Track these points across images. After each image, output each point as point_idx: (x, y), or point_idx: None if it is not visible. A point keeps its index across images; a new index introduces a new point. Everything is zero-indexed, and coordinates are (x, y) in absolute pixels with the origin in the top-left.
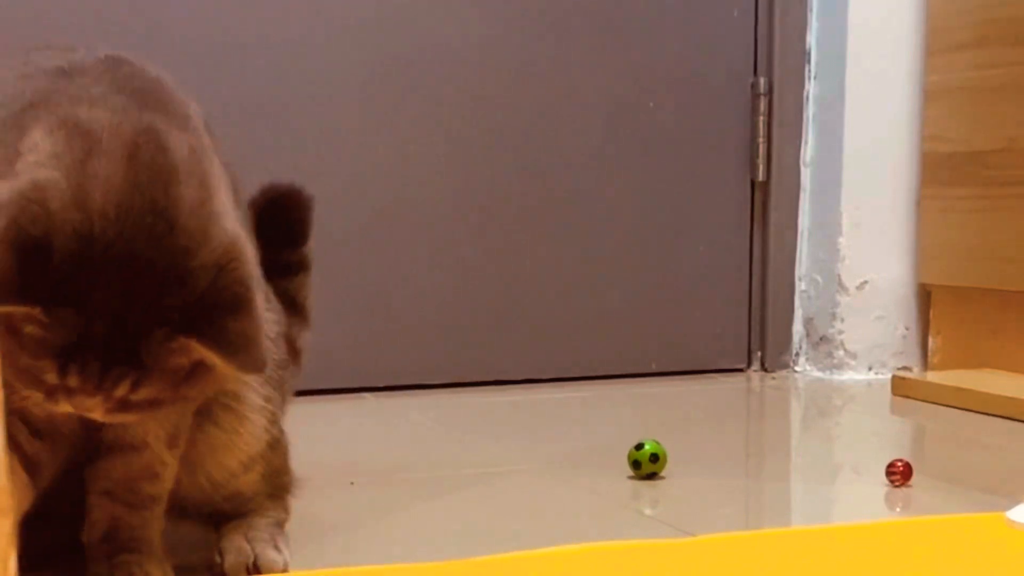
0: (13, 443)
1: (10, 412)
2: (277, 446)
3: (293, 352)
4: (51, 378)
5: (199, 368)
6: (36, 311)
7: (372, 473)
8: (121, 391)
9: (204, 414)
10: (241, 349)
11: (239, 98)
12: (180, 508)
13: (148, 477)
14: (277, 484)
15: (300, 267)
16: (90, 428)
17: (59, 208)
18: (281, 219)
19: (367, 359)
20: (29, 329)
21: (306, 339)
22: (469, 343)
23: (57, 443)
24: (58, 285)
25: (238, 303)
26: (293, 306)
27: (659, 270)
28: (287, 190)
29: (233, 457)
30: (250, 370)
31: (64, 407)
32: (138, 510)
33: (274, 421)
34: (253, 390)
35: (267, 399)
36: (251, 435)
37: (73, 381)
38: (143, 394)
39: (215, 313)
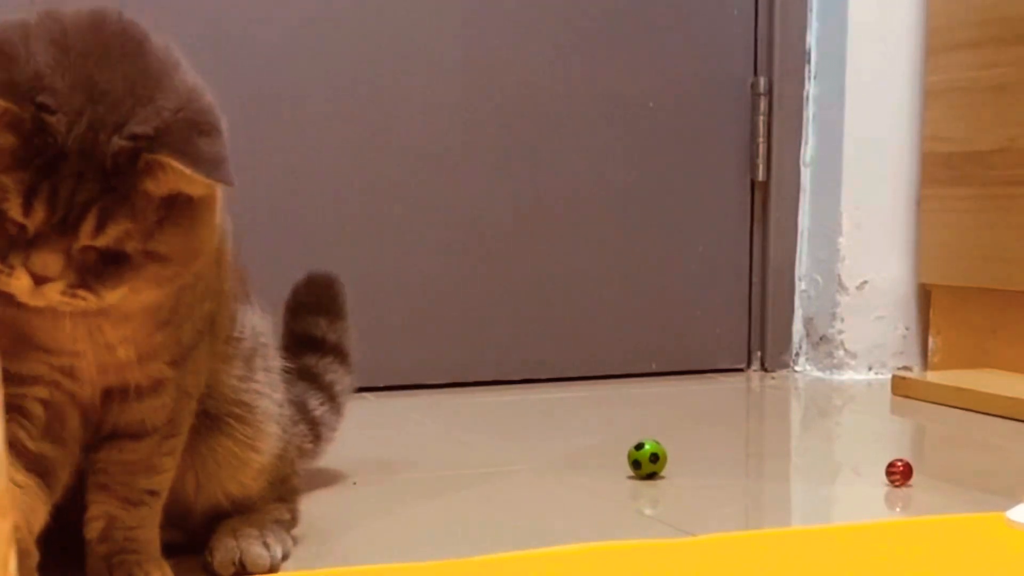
0: (17, 446)
1: (9, 410)
2: (285, 453)
3: (314, 429)
4: (14, 210)
5: (171, 213)
6: (27, 111)
7: (372, 473)
8: (88, 227)
9: (218, 427)
10: (211, 163)
11: (239, 91)
12: (189, 517)
13: (145, 471)
14: (284, 488)
15: (334, 350)
16: (93, 410)
17: (35, 24)
18: (317, 293)
19: (367, 359)
20: (4, 139)
21: (330, 421)
22: (469, 343)
23: (63, 440)
24: (39, 89)
25: (208, 126)
26: (315, 382)
27: (659, 270)
28: (325, 274)
29: (248, 473)
30: (221, 179)
31: (20, 278)
32: (134, 507)
33: (285, 428)
34: (267, 397)
35: (280, 404)
36: (267, 447)
37: (39, 212)
38: (111, 233)
39: (185, 131)
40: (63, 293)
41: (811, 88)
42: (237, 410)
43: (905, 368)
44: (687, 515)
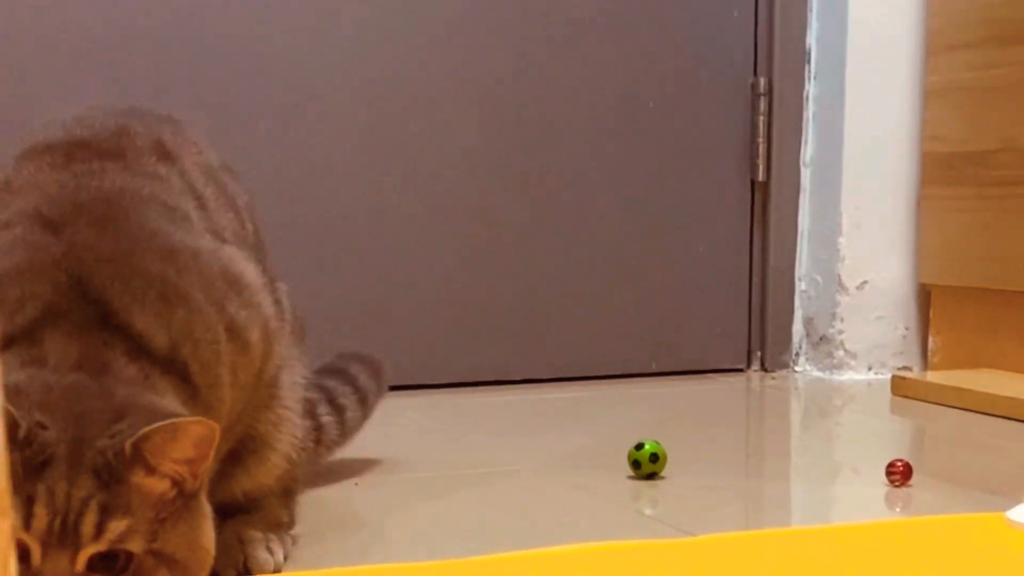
0: None
1: None
2: (294, 455)
3: (317, 432)
4: (16, 522)
5: (171, 511)
6: (25, 423)
7: (372, 473)
8: (88, 525)
9: (243, 447)
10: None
11: (243, 95)
12: None
13: None
14: (287, 486)
15: (358, 391)
16: None
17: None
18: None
19: None
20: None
21: (332, 433)
22: (469, 343)
23: None
24: (35, 412)
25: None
26: (330, 399)
27: (659, 270)
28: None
29: (264, 482)
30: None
31: None
32: None
33: (300, 439)
34: (289, 421)
35: (299, 417)
36: (282, 463)
37: (40, 517)
38: (113, 530)
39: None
40: None
41: (811, 88)
42: (263, 431)
43: (905, 368)
44: (687, 515)
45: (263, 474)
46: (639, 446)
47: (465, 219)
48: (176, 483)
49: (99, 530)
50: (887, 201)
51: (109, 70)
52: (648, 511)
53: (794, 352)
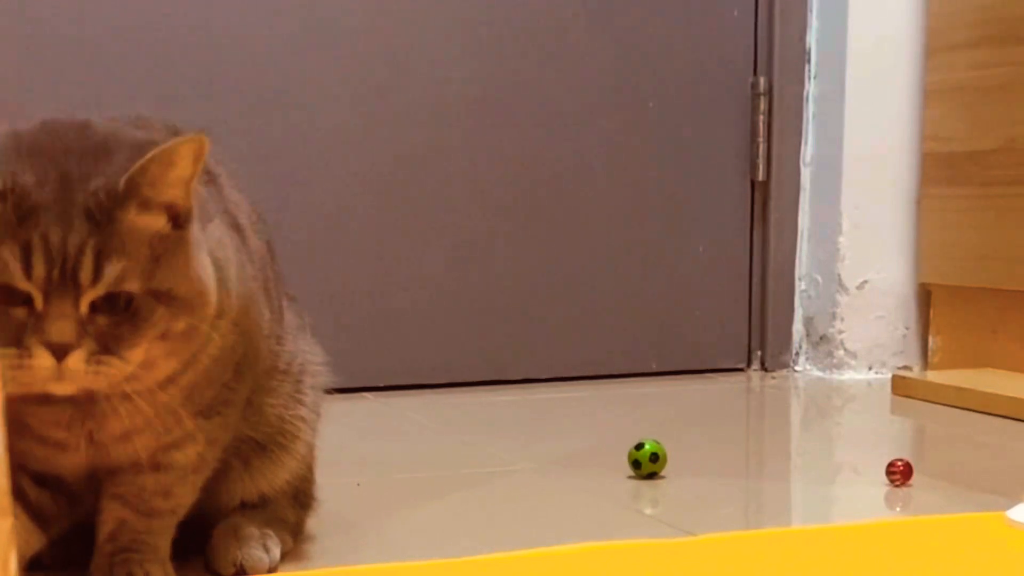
0: (17, 491)
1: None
2: (308, 454)
3: None
4: (17, 276)
5: (164, 249)
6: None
7: (373, 473)
8: (87, 271)
9: (262, 450)
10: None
11: (244, 94)
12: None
13: (163, 495)
14: (299, 487)
15: None
16: (95, 475)
17: None
18: None
19: (367, 359)
20: None
21: None
22: (469, 343)
23: (63, 493)
24: (6, 162)
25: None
26: None
27: (659, 270)
28: None
29: (277, 484)
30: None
31: (40, 356)
32: (147, 517)
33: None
34: (309, 423)
35: (317, 418)
36: (298, 465)
37: (39, 267)
38: (110, 273)
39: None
40: (88, 363)
41: (811, 88)
42: (281, 439)
43: (905, 368)
44: (687, 515)
45: (281, 469)
46: (639, 446)
47: (465, 218)
48: (171, 214)
49: (97, 275)
50: (887, 201)
51: (110, 76)
52: (648, 511)
53: (794, 352)
